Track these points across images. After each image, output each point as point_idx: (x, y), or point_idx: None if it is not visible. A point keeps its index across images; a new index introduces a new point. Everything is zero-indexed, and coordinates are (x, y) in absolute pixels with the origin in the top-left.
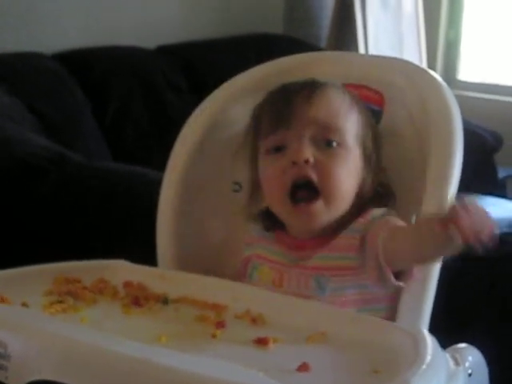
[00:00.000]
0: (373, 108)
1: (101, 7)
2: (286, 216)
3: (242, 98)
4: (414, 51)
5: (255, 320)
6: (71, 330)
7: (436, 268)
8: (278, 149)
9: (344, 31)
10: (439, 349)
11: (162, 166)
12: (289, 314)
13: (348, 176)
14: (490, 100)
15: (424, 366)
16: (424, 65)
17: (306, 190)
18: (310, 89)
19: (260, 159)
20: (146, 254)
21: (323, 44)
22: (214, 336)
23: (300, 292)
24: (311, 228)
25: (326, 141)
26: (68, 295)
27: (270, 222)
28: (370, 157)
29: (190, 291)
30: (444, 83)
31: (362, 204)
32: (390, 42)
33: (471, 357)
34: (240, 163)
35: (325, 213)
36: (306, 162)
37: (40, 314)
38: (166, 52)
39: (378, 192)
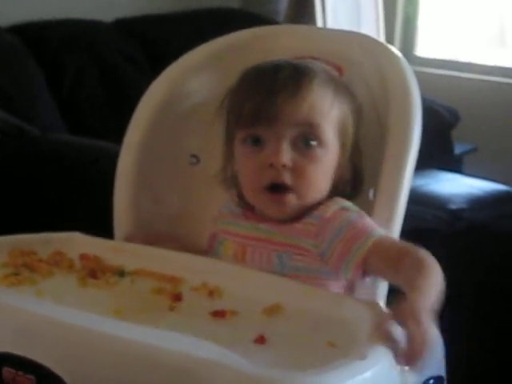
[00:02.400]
0: None
1: None
2: (259, 204)
3: (198, 71)
4: (371, 26)
5: (212, 292)
6: (27, 302)
7: None
8: (256, 141)
9: (302, 5)
10: (394, 322)
11: (117, 138)
12: (246, 286)
13: (324, 174)
14: (447, 76)
15: (379, 340)
16: (382, 40)
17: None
18: (294, 85)
19: (237, 145)
20: (102, 227)
21: (281, 19)
22: (171, 308)
23: (261, 267)
24: (281, 216)
25: (305, 141)
26: (24, 267)
27: (241, 200)
28: (350, 143)
29: (146, 263)
30: (403, 58)
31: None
32: (347, 17)
33: None
34: (198, 135)
35: (296, 204)
36: (284, 166)
37: None
38: (123, 25)
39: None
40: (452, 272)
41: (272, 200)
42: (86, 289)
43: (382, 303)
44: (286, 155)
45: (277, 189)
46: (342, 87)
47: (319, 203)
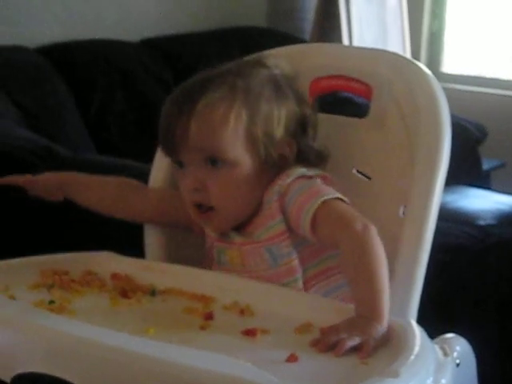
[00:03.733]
0: (361, 100)
1: (84, 0)
2: (197, 221)
3: None
4: (397, 43)
5: (243, 311)
6: (59, 322)
7: (424, 260)
8: (180, 164)
9: (328, 23)
10: (427, 339)
11: (145, 158)
12: (276, 304)
13: (237, 189)
14: (473, 92)
15: (413, 357)
16: (408, 56)
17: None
18: (188, 111)
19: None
20: (133, 246)
21: (307, 37)
22: (202, 328)
23: (257, 267)
24: (220, 230)
25: (211, 161)
26: (56, 287)
27: None
28: (269, 145)
29: (177, 282)
30: (432, 75)
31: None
32: (373, 34)
33: (459, 347)
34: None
35: (223, 219)
36: (196, 190)
37: (27, 306)
38: (150, 45)
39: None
40: (481, 288)
41: (201, 218)
42: (117, 308)
43: (413, 321)
44: (193, 179)
45: (201, 207)
46: (252, 89)
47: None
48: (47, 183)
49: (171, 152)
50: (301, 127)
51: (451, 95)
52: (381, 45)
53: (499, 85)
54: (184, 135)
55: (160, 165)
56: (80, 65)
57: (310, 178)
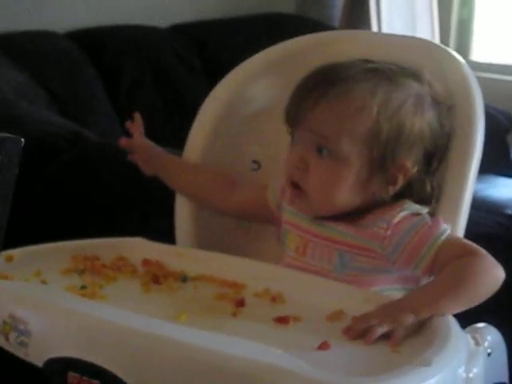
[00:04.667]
0: None
1: None
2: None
3: (260, 77)
4: (426, 31)
5: (275, 298)
6: (91, 308)
7: None
8: (293, 137)
9: (357, 11)
10: (459, 329)
11: (174, 144)
12: (308, 292)
13: (335, 186)
14: (502, 80)
15: (445, 346)
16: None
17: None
18: (321, 90)
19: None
20: (164, 233)
21: (336, 24)
22: (233, 314)
23: (321, 265)
24: (304, 213)
25: (319, 149)
26: (87, 272)
27: None
28: (387, 154)
29: (208, 269)
30: (465, 63)
31: (383, 199)
32: (402, 22)
33: (490, 336)
34: (259, 142)
35: (309, 204)
36: (297, 168)
37: (60, 291)
38: (179, 31)
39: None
40: (510, 277)
41: (292, 194)
42: (148, 294)
43: None
44: (297, 157)
45: (294, 186)
46: (394, 97)
47: (380, 207)
48: (140, 151)
49: (290, 122)
50: (426, 156)
51: (480, 84)
52: (410, 32)
53: None
54: (307, 114)
55: (191, 150)
56: (109, 50)
57: (419, 215)
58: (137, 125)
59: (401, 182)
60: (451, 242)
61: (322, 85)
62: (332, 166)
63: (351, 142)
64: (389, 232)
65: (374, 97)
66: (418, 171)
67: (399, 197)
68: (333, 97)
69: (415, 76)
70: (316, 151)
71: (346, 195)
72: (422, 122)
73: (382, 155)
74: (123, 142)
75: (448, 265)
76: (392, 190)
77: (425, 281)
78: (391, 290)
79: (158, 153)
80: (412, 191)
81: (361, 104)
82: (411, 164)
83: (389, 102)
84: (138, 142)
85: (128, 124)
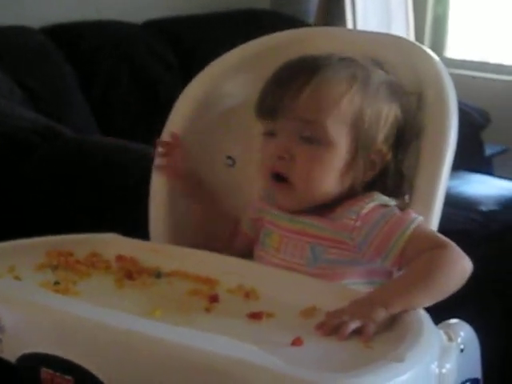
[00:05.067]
0: None
1: None
2: (273, 193)
3: (234, 74)
4: (401, 27)
5: (248, 294)
6: (64, 303)
7: None
8: (271, 134)
9: (332, 7)
10: (432, 324)
11: (147, 139)
12: (281, 288)
13: (322, 170)
14: (477, 77)
15: (418, 342)
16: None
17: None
18: (303, 78)
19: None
20: (137, 229)
21: (311, 20)
22: (207, 310)
23: (294, 259)
24: (288, 206)
25: (305, 136)
26: (61, 268)
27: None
28: (367, 142)
29: (182, 265)
30: (439, 60)
31: (358, 188)
32: (378, 18)
33: (463, 332)
34: (234, 138)
35: (294, 195)
36: (280, 158)
37: (33, 287)
38: (153, 27)
39: (386, 178)
40: (485, 273)
41: (276, 186)
42: (122, 290)
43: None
44: (282, 147)
45: (277, 178)
46: (371, 83)
47: (350, 198)
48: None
49: (267, 114)
50: (397, 141)
51: (454, 80)
52: (385, 29)
53: (502, 70)
54: (292, 102)
55: None
56: (84, 45)
57: (389, 206)
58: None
59: (378, 167)
60: (420, 233)
61: (303, 73)
62: (319, 152)
63: (336, 126)
64: (358, 223)
65: (356, 82)
66: (391, 158)
67: (368, 188)
68: (315, 83)
69: (380, 65)
70: (300, 139)
71: (331, 182)
72: (395, 108)
73: (364, 139)
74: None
75: (417, 257)
76: (370, 175)
77: (396, 274)
78: (363, 283)
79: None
80: (384, 181)
81: (344, 89)
82: (386, 149)
83: (368, 87)
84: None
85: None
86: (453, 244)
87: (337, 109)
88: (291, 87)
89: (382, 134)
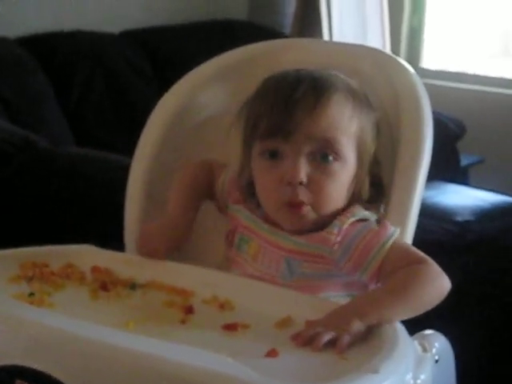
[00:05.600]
0: None
1: None
2: (278, 217)
3: (209, 85)
4: (377, 38)
5: (223, 305)
6: (39, 315)
7: None
8: (273, 154)
9: (308, 18)
10: (407, 335)
11: (124, 150)
12: (256, 299)
13: (340, 188)
14: (452, 88)
15: (392, 353)
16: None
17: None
18: (314, 98)
19: (254, 157)
20: (113, 240)
21: (287, 31)
22: (182, 321)
23: (269, 271)
24: (297, 227)
25: (323, 156)
26: (35, 280)
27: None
28: (368, 156)
29: (157, 276)
30: (414, 72)
31: (352, 203)
32: (353, 29)
33: (438, 343)
34: (210, 149)
35: (312, 217)
36: (300, 183)
37: (7, 299)
38: (129, 37)
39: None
40: (460, 284)
41: (290, 213)
42: (97, 301)
43: None
44: (303, 172)
45: (292, 204)
46: (361, 99)
47: (337, 213)
48: None
49: (276, 136)
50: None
51: (430, 91)
52: (361, 40)
53: (478, 81)
54: (306, 122)
55: (140, 160)
56: (60, 55)
57: (367, 220)
58: None
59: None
60: (398, 248)
61: (310, 93)
62: (339, 169)
63: (348, 143)
64: (339, 238)
65: (354, 99)
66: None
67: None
68: (325, 102)
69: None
70: (314, 159)
71: (342, 199)
72: (372, 123)
73: (364, 152)
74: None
75: (395, 272)
76: (368, 191)
77: (372, 287)
78: (340, 296)
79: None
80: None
81: (350, 105)
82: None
83: (361, 101)
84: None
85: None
86: (431, 261)
87: (348, 125)
88: (300, 107)
89: (374, 145)
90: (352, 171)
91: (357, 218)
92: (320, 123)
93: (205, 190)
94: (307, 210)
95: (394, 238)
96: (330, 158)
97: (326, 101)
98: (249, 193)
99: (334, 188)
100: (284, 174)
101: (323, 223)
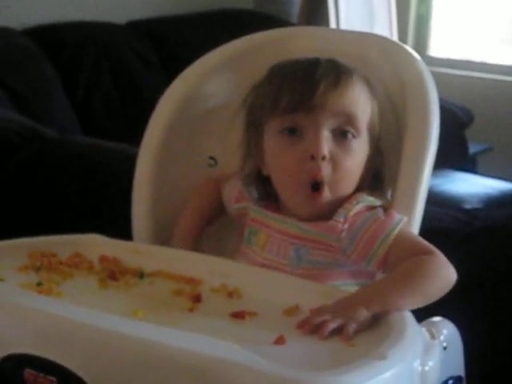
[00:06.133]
0: None
1: None
2: (296, 198)
3: (216, 73)
4: (384, 26)
5: (231, 294)
6: (47, 304)
7: None
8: (293, 131)
9: (315, 6)
10: (414, 322)
11: (132, 140)
12: (264, 287)
13: (358, 166)
14: (460, 76)
15: (400, 340)
16: (395, 40)
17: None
18: (336, 74)
19: (270, 136)
20: (121, 229)
21: (294, 19)
22: (190, 310)
23: (277, 259)
24: (314, 212)
25: (343, 132)
26: (44, 269)
27: (265, 191)
28: (376, 142)
29: (165, 265)
30: (420, 59)
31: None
32: (361, 18)
33: (446, 330)
34: (216, 138)
35: (329, 199)
36: (323, 158)
37: (16, 288)
38: (136, 27)
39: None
40: (468, 271)
41: (311, 197)
42: (105, 290)
43: None
44: (326, 146)
45: (317, 187)
46: (371, 85)
47: (344, 200)
48: None
49: (297, 110)
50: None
51: (438, 79)
52: (368, 28)
53: (486, 69)
54: (327, 97)
55: (148, 148)
56: (67, 46)
57: (374, 208)
58: None
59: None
60: (404, 238)
61: (331, 72)
62: (358, 146)
63: (364, 121)
64: (346, 225)
65: (368, 82)
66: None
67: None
68: (345, 80)
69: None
70: (340, 135)
71: (358, 178)
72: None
73: (374, 134)
74: None
75: (401, 262)
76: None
77: (380, 276)
78: (347, 284)
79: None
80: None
81: (366, 87)
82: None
83: (371, 88)
84: None
85: None
86: (438, 251)
87: (365, 105)
88: (324, 82)
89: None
90: (366, 150)
91: (363, 204)
92: (343, 99)
93: (214, 211)
94: (327, 193)
95: (399, 227)
96: (349, 135)
97: (348, 78)
98: (252, 181)
99: (352, 166)
100: (306, 150)
101: (332, 210)
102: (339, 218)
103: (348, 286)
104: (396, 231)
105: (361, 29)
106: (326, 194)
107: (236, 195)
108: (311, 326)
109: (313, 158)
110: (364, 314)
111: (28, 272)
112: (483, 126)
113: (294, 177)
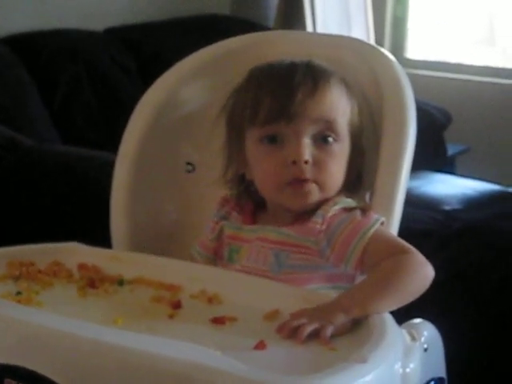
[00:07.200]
0: None
1: None
2: (282, 199)
3: (193, 79)
4: (361, 29)
5: (211, 299)
6: (27, 313)
7: None
8: (273, 139)
9: (291, 10)
10: (395, 325)
11: (111, 147)
12: (244, 292)
13: (341, 168)
14: (437, 77)
15: (380, 343)
16: (372, 42)
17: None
18: (313, 81)
19: (251, 143)
20: (100, 237)
21: (271, 24)
22: (170, 316)
23: (256, 266)
24: (303, 207)
25: (324, 137)
26: (23, 278)
27: (246, 194)
28: (358, 140)
29: (144, 272)
30: (396, 61)
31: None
32: (337, 20)
33: (426, 332)
34: (193, 144)
35: (317, 194)
36: (306, 162)
37: None
38: (114, 34)
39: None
40: (447, 272)
41: (295, 191)
42: (85, 298)
43: None
44: (308, 151)
45: (299, 181)
46: (349, 86)
47: (322, 202)
48: None
49: (277, 120)
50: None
51: (415, 81)
52: (345, 31)
53: (463, 70)
54: (306, 105)
55: (124, 155)
56: (44, 54)
57: (351, 210)
58: None
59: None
60: (380, 237)
61: (308, 77)
62: (337, 150)
63: (344, 124)
64: (324, 226)
65: (346, 85)
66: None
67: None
68: (323, 86)
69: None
70: (321, 140)
71: (340, 179)
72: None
73: (355, 136)
74: None
75: (379, 263)
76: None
77: (359, 278)
78: (327, 288)
79: None
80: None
81: (344, 90)
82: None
83: (349, 89)
84: None
85: None
86: (415, 250)
87: (345, 108)
88: (301, 90)
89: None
90: (347, 152)
91: (340, 205)
92: (322, 105)
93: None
94: (312, 186)
95: (375, 227)
96: (330, 139)
97: (325, 83)
98: (233, 186)
99: (336, 168)
100: (287, 156)
101: (314, 211)
102: (318, 218)
103: (327, 290)
104: (372, 231)
105: (338, 32)
106: (312, 188)
107: (212, 226)
108: (289, 330)
109: (294, 163)
110: (342, 318)
111: (6, 281)
112: (461, 127)
113: (275, 180)
